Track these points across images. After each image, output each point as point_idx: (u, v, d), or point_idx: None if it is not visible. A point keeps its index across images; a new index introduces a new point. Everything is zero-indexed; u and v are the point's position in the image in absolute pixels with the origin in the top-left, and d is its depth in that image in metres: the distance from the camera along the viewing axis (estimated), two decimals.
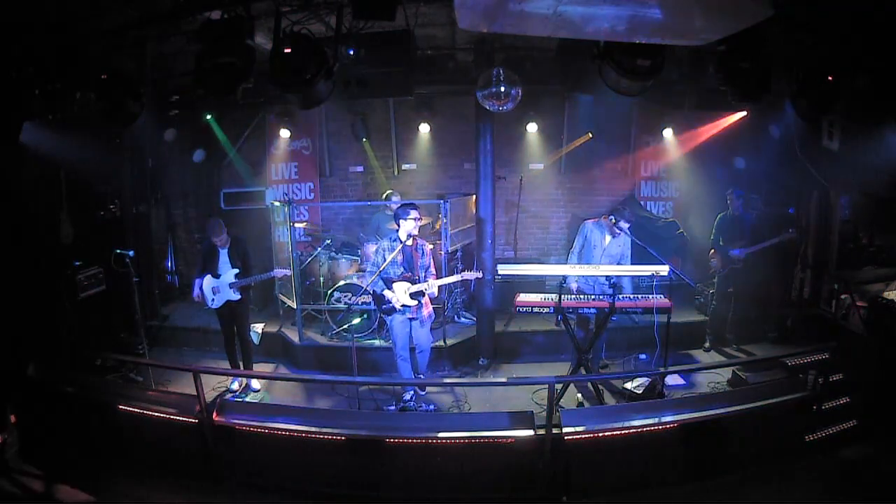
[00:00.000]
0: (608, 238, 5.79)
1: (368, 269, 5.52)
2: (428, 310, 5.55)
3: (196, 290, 5.83)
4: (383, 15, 4.21)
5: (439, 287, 5.69)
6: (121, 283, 6.64)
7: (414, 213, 5.28)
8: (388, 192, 7.47)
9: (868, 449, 4.69)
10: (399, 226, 5.33)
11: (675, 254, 7.84)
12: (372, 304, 6.02)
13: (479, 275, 5.67)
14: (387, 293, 5.37)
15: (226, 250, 5.89)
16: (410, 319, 5.47)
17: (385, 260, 5.33)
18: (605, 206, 8.22)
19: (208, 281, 5.84)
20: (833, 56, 4.71)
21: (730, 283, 6.79)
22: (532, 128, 8.11)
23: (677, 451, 4.40)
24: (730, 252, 6.67)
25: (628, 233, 5.69)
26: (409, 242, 5.39)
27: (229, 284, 5.84)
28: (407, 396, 5.62)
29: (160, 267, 8.37)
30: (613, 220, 5.64)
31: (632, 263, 5.82)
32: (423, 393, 5.78)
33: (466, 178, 7.99)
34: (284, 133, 8.33)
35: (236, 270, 5.86)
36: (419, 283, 5.37)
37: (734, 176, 7.67)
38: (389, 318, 5.51)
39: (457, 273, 5.90)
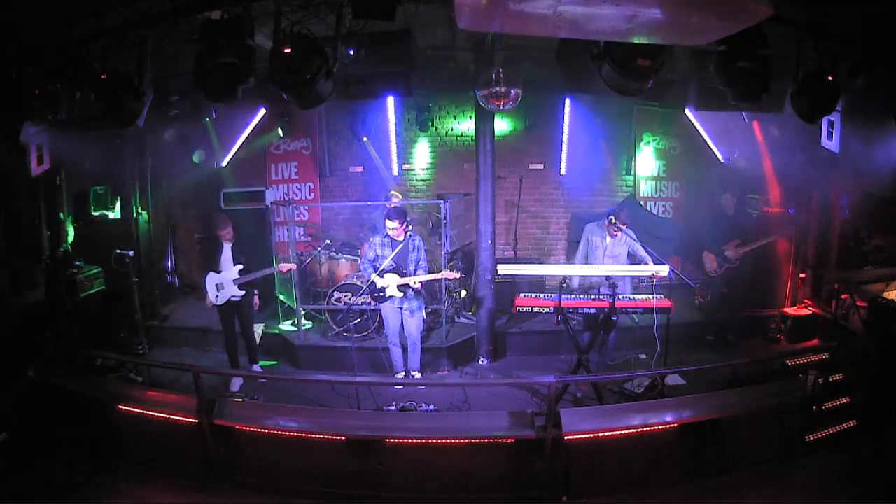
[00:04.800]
0: (609, 238, 5.80)
1: (361, 264, 5.97)
2: (417, 301, 5.94)
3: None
4: (383, 15, 4.21)
5: (441, 286, 5.97)
6: (121, 283, 6.65)
7: (390, 224, 5.66)
8: (395, 192, 7.51)
9: (868, 449, 4.69)
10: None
11: (675, 254, 7.85)
12: (371, 304, 6.15)
13: (458, 275, 6.04)
14: (376, 279, 5.75)
15: (230, 246, 5.95)
16: (400, 308, 5.85)
17: (377, 254, 5.81)
18: (604, 206, 8.23)
19: (211, 277, 5.90)
20: (833, 56, 4.70)
21: (726, 284, 6.79)
22: (532, 128, 8.11)
23: (677, 451, 4.40)
24: (724, 252, 6.67)
25: (628, 232, 5.69)
26: (401, 238, 5.74)
27: (233, 280, 5.88)
28: (400, 375, 6.05)
29: (160, 267, 8.36)
30: (612, 220, 5.66)
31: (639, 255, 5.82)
32: (414, 375, 6.05)
33: (466, 178, 7.99)
34: (284, 133, 8.33)
35: (240, 267, 5.92)
36: (407, 276, 5.73)
37: (734, 176, 7.67)
38: (382, 305, 5.91)
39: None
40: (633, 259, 5.81)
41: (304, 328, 6.78)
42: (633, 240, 5.77)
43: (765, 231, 6.84)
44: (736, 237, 6.73)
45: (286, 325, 6.89)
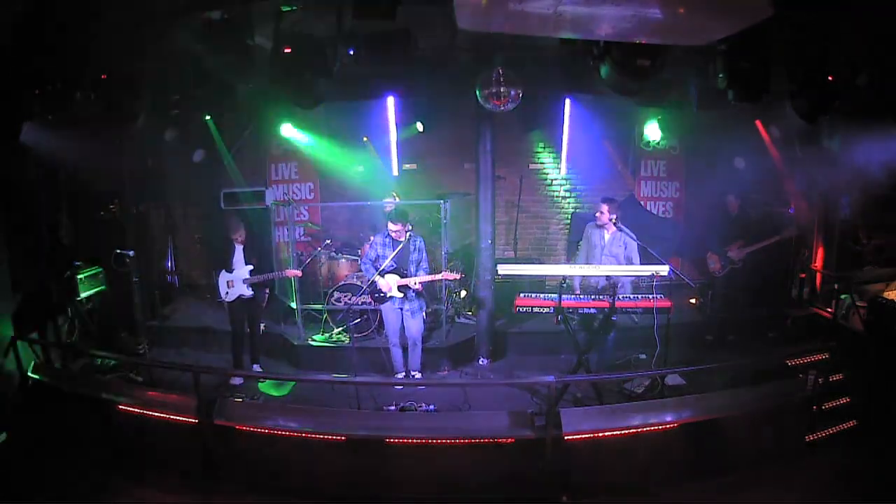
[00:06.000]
0: (607, 236, 5.79)
1: (362, 263, 5.96)
2: (418, 302, 5.91)
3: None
4: (383, 15, 4.21)
5: (441, 286, 6.07)
6: (121, 283, 6.65)
7: (392, 226, 5.68)
8: (394, 193, 7.54)
9: (868, 449, 4.69)
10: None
11: (675, 254, 7.85)
12: (370, 304, 6.13)
13: (458, 276, 6.05)
14: (377, 280, 5.74)
15: (241, 247, 6.08)
16: (401, 309, 5.84)
17: (377, 254, 5.80)
18: None
19: (223, 275, 6.05)
20: (833, 56, 4.71)
21: (729, 285, 6.80)
22: (532, 128, 8.10)
23: (677, 451, 4.40)
24: (728, 253, 6.68)
25: (623, 229, 5.68)
26: (402, 238, 5.73)
27: (243, 280, 6.01)
28: (400, 375, 6.04)
29: (160, 267, 8.37)
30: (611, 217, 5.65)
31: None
32: (414, 375, 6.04)
33: (466, 178, 7.99)
34: (284, 133, 8.33)
35: (250, 267, 6.04)
36: (407, 276, 5.73)
37: (734, 176, 7.67)
38: (382, 306, 5.91)
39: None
40: (628, 260, 5.78)
41: (338, 340, 6.76)
42: (632, 238, 5.72)
43: (767, 231, 6.84)
44: (739, 238, 6.73)
45: (319, 338, 6.84)
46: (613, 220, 5.65)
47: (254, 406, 5.04)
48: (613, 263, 5.71)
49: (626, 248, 5.73)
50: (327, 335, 6.80)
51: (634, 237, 5.73)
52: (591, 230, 5.93)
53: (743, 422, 4.47)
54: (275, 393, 5.87)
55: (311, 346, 6.69)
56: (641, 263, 5.65)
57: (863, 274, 6.70)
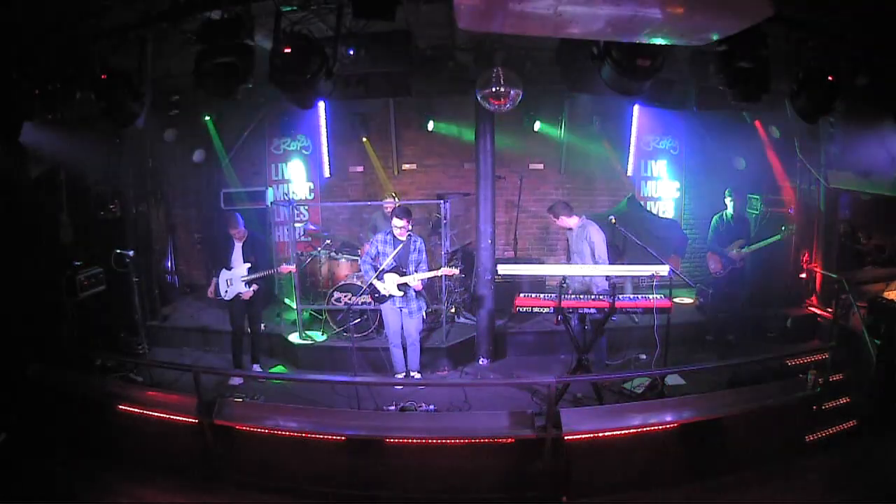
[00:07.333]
0: (574, 234, 5.87)
1: (362, 262, 5.98)
2: (417, 302, 5.94)
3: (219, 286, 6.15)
4: (383, 15, 4.20)
5: (441, 286, 6.07)
6: (121, 283, 6.65)
7: (397, 222, 5.72)
8: (393, 194, 7.54)
9: (868, 449, 4.69)
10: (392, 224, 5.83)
11: (675, 253, 7.85)
12: (371, 304, 6.15)
13: (457, 271, 6.09)
14: (376, 283, 5.78)
15: (241, 244, 6.12)
16: (400, 308, 5.85)
17: (378, 252, 5.84)
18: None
19: (223, 274, 6.10)
20: (833, 56, 4.70)
21: (729, 285, 6.79)
22: (532, 127, 8.10)
23: (677, 451, 4.40)
24: (728, 253, 6.68)
25: (587, 229, 5.73)
26: (403, 237, 5.77)
27: (241, 278, 6.04)
28: (400, 376, 6.05)
29: (160, 267, 8.37)
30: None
31: (610, 262, 5.84)
32: (414, 375, 6.05)
33: (466, 178, 7.99)
34: (284, 133, 8.33)
35: (248, 265, 6.07)
36: (407, 275, 5.75)
37: (734, 176, 7.68)
38: (382, 305, 5.94)
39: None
40: (593, 256, 5.77)
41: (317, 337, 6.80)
42: (600, 234, 5.76)
43: (766, 231, 6.84)
44: (739, 238, 6.72)
45: (315, 335, 6.85)
46: (618, 221, 5.77)
47: (254, 406, 5.04)
48: (584, 260, 5.75)
49: (588, 240, 5.75)
50: (327, 335, 6.80)
51: (597, 238, 5.72)
52: (567, 232, 6.05)
53: (743, 422, 4.46)
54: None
55: (311, 345, 6.69)
56: (637, 263, 5.68)
57: (863, 274, 6.70)
